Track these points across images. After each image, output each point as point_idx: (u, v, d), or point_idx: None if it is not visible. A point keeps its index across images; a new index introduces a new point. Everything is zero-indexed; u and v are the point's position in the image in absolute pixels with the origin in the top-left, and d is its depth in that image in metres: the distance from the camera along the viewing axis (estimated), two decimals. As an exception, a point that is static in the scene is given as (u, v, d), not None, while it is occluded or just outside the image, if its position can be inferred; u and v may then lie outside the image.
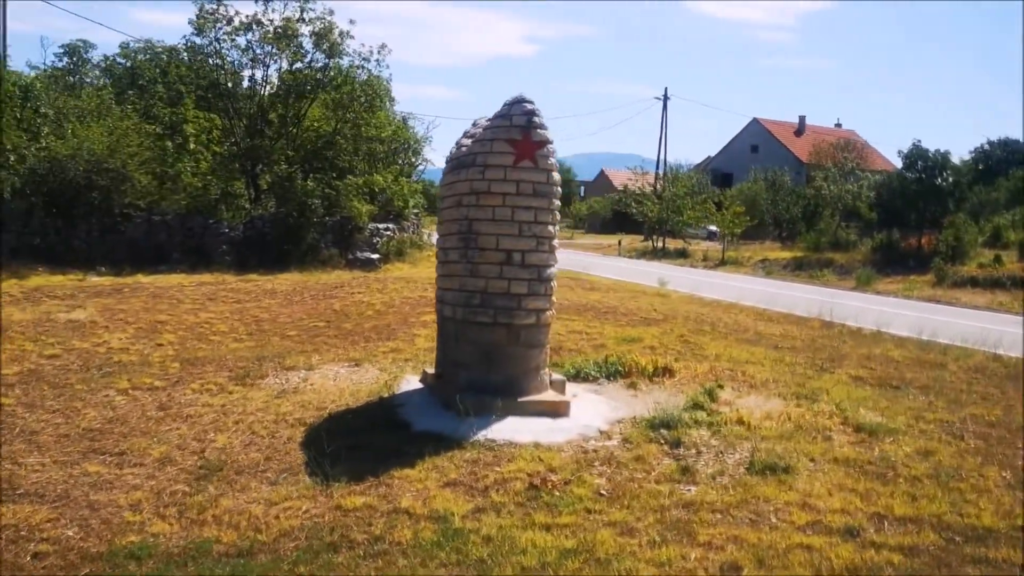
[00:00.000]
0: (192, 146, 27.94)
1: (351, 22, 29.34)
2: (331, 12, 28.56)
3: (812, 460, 7.83)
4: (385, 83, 31.65)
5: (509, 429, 8.32)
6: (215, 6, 27.93)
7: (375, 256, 27.54)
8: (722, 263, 41.92)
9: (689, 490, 7.05)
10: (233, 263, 25.40)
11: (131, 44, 31.62)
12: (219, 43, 28.35)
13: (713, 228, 50.37)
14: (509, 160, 8.79)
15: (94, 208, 24.44)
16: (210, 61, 28.83)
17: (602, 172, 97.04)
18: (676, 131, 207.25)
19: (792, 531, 6.24)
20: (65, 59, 33.65)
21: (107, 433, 8.51)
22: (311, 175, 28.16)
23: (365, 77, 29.41)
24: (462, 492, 6.91)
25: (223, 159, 28.52)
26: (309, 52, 28.89)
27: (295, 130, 28.99)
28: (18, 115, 24.86)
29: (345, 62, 29.30)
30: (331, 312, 16.09)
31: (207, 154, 28.91)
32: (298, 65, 29.13)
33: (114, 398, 9.74)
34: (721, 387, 10.52)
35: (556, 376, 9.88)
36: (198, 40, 28.38)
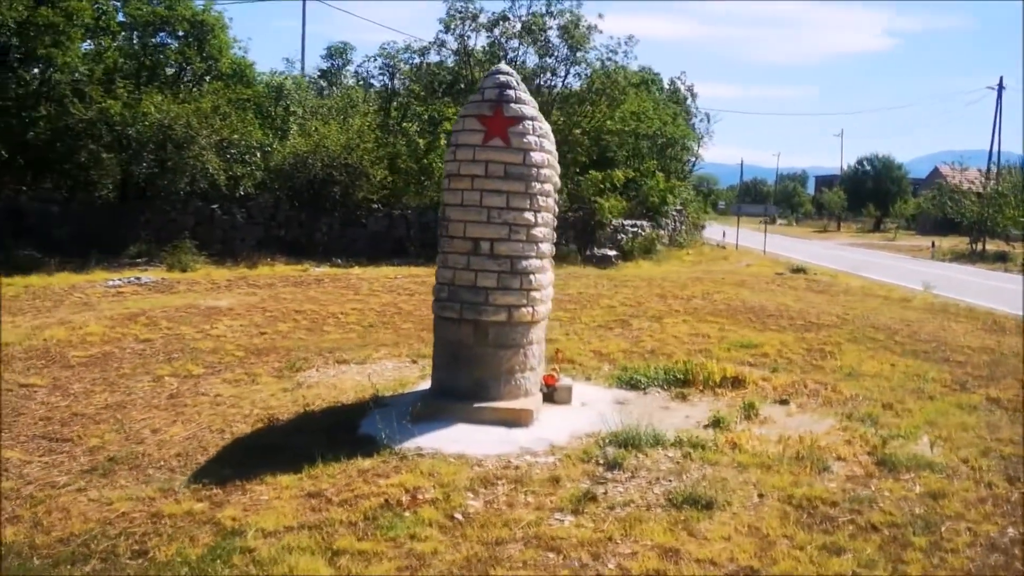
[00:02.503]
0: (443, 142, 28.37)
1: (599, 16, 28.69)
2: (579, 4, 28.08)
3: (761, 495, 6.43)
4: (634, 74, 30.71)
5: (448, 437, 7.49)
6: (464, 4, 28.27)
7: (612, 253, 26.73)
8: (1044, 267, 37.15)
9: (561, 521, 5.94)
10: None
11: (390, 45, 32.70)
12: (465, 39, 28.64)
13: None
14: (478, 139, 7.92)
15: (336, 203, 25.42)
16: (456, 58, 29.21)
17: (935, 169, 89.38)
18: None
19: (609, 584, 5.03)
20: (329, 61, 35.44)
21: (88, 419, 8.50)
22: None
23: (611, 68, 28.63)
24: (310, 505, 6.20)
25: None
26: (556, 46, 28.55)
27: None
28: (272, 113, 26.35)
29: (592, 55, 28.73)
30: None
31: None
32: (547, 60, 28.88)
33: (139, 385, 9.78)
34: (785, 402, 9.17)
35: (565, 381, 8.89)
36: (446, 37, 28.85)
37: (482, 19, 28.41)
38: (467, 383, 7.99)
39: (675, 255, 29.31)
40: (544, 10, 28.14)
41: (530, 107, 8.01)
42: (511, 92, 7.93)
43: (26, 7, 23.76)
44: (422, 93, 30.17)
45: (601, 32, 28.56)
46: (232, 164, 23.87)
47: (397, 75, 31.65)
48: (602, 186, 27.30)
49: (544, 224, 8.17)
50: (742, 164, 74.66)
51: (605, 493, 6.42)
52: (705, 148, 50.13)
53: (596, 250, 26.89)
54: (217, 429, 8.11)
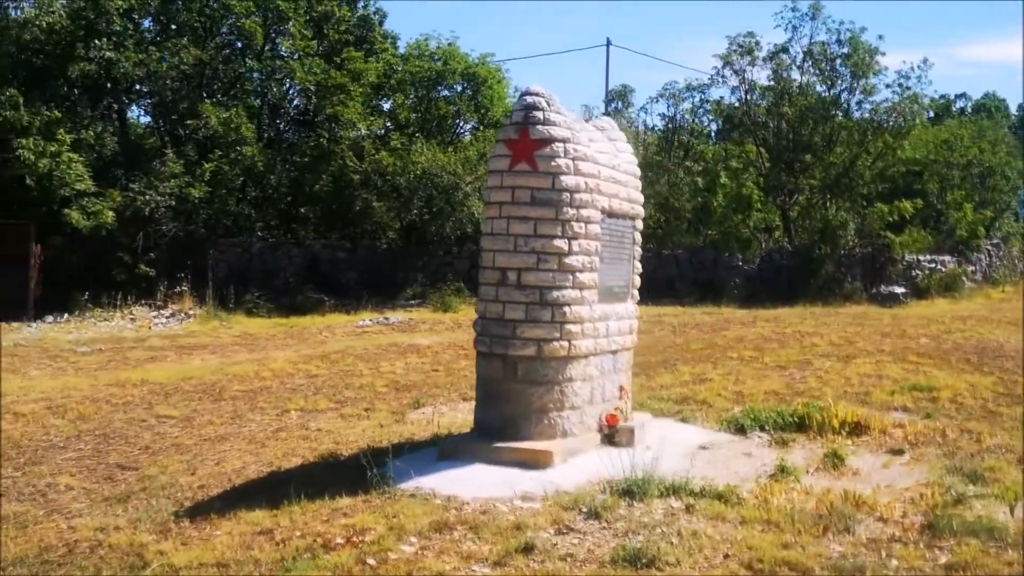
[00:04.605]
0: (723, 180, 27.63)
1: (879, 38, 26.70)
2: (862, 30, 26.40)
3: (727, 556, 5.58)
4: (924, 101, 28.25)
5: (451, 478, 7.14)
6: (745, 38, 27.45)
7: (901, 291, 24.63)
8: None
9: (474, 572, 5.46)
10: (740, 297, 24.61)
11: (672, 85, 32.08)
12: (745, 74, 27.76)
13: None
14: (505, 164, 7.56)
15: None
16: (736, 93, 28.42)
17: None
18: None
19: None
20: (610, 104, 35.33)
21: (179, 449, 8.95)
22: (842, 203, 26.27)
23: (898, 97, 26.61)
24: (247, 543, 6.09)
25: (747, 191, 27.78)
26: (842, 75, 26.98)
27: (825, 157, 27.19)
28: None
29: (879, 82, 26.90)
30: (665, 346, 14.88)
31: (750, 187, 28.32)
32: (832, 90, 27.40)
33: (261, 418, 10.18)
34: (900, 452, 8.02)
35: (636, 421, 8.26)
36: (726, 73, 28.10)
37: (762, 52, 27.40)
38: (497, 421, 7.58)
39: (984, 293, 26.50)
40: (830, 39, 26.70)
41: (562, 128, 7.51)
42: (538, 113, 7.47)
43: (323, 70, 25.76)
44: (704, 130, 29.56)
45: (884, 54, 26.62)
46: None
47: (679, 113, 31.23)
48: (890, 219, 25.32)
49: (583, 252, 7.60)
50: None
51: (555, 545, 5.80)
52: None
53: (883, 287, 24.89)
54: (269, 463, 8.21)
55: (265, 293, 24.15)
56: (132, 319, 22.53)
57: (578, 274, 7.59)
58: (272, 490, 7.18)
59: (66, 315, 22.60)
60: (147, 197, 24.10)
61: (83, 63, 24.09)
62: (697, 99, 30.24)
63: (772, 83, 27.82)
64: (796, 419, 8.79)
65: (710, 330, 16.93)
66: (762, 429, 8.71)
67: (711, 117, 30.31)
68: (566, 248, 7.50)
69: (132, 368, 14.25)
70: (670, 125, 31.52)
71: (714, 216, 27.34)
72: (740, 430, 8.79)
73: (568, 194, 7.49)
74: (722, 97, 29.58)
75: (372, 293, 24.52)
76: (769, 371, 11.83)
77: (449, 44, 27.60)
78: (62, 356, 16.17)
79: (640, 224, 8.97)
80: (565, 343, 7.53)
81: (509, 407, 7.54)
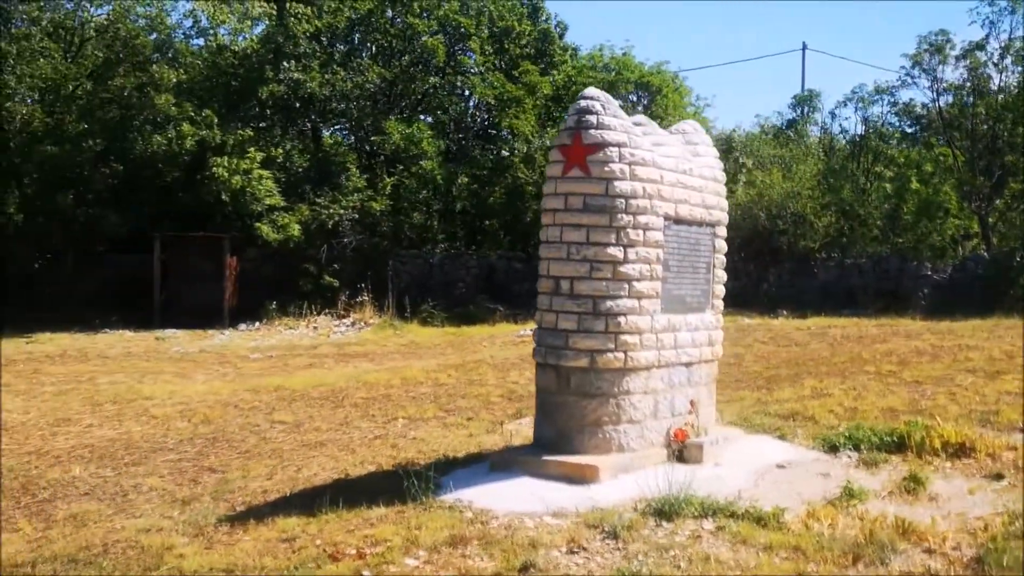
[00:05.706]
0: (914, 185, 26.19)
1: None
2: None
3: (731, 587, 5.23)
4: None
5: (492, 491, 7.02)
6: (936, 36, 25.98)
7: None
8: None
9: (456, 591, 5.35)
10: (928, 308, 23.26)
11: (861, 88, 30.47)
12: (937, 74, 26.24)
13: None
14: (559, 170, 7.41)
15: (783, 252, 24.58)
16: (927, 94, 26.91)
17: None
18: None
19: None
20: (796, 110, 33.98)
21: (274, 455, 9.17)
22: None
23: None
24: (265, 550, 6.16)
25: (942, 196, 26.19)
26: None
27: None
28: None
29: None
30: (807, 359, 14.15)
31: (947, 192, 26.74)
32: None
33: (366, 425, 10.35)
34: (1000, 477, 7.32)
35: (718, 433, 7.97)
36: (915, 73, 26.67)
37: (955, 50, 25.84)
38: (551, 434, 7.41)
39: None
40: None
41: (618, 132, 7.27)
42: (591, 117, 7.26)
43: (501, 84, 26.11)
44: (895, 134, 28.10)
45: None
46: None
47: (868, 117, 29.84)
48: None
49: (641, 260, 7.32)
50: None
51: (558, 565, 5.60)
52: None
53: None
54: (343, 470, 8.31)
55: (441, 303, 24.60)
56: (315, 328, 23.43)
57: (635, 283, 7.31)
58: (320, 498, 7.20)
59: (256, 323, 23.78)
60: (331, 211, 24.99)
61: (273, 84, 25.24)
62: (886, 102, 28.81)
63: (966, 82, 26.17)
64: (895, 438, 8.14)
65: (869, 342, 15.98)
66: (855, 448, 8.12)
67: (900, 120, 28.80)
68: (621, 256, 7.24)
69: (286, 375, 14.77)
70: (867, 130, 29.99)
71: (903, 223, 25.94)
72: (832, 449, 8.24)
73: (623, 200, 7.24)
74: (912, 99, 28.11)
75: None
76: (900, 386, 11.06)
77: (624, 54, 27.42)
78: (231, 363, 16.95)
79: (722, 231, 8.62)
80: (620, 354, 7.27)
81: (562, 419, 7.36)
